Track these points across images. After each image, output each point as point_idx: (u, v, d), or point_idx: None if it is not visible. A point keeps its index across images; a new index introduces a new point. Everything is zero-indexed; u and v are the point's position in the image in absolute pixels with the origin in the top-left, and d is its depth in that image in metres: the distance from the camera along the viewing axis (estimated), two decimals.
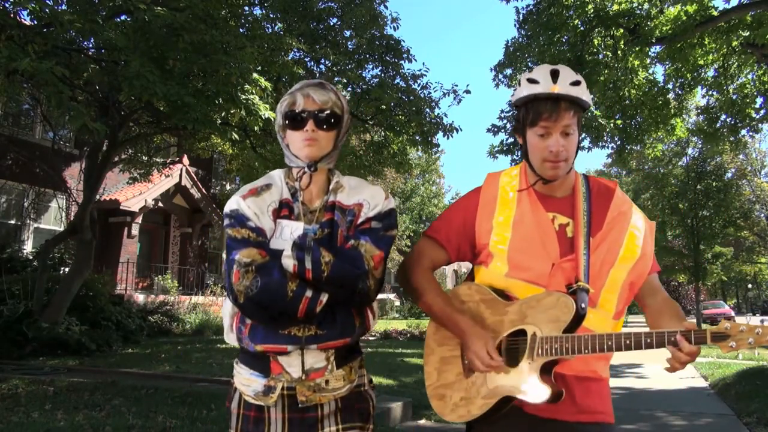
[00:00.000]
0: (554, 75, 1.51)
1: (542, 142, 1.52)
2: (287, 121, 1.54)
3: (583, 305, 1.43)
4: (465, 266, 38.52)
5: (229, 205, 1.50)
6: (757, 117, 11.27)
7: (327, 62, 10.18)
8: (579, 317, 1.41)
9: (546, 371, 1.42)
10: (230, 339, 1.52)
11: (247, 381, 1.49)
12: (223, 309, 1.54)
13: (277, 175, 1.60)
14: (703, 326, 1.31)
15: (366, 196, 1.54)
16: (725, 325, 1.26)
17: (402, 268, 1.71)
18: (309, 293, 1.39)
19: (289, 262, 1.40)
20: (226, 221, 1.48)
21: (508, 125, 11.93)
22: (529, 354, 1.43)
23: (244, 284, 1.37)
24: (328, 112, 1.53)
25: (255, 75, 7.07)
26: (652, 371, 9.36)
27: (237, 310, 1.46)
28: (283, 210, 1.52)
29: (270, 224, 1.48)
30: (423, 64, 29.93)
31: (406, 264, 1.71)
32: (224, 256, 1.49)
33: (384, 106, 9.87)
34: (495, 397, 1.46)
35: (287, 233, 1.48)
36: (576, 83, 1.52)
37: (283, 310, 1.39)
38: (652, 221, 1.65)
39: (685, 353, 1.28)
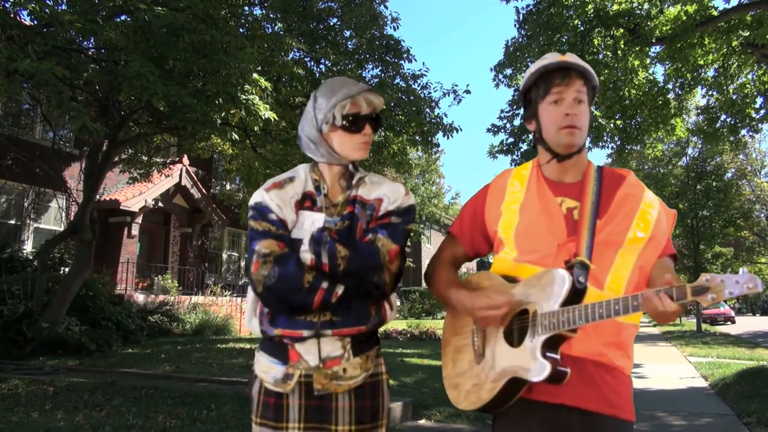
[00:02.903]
0: (562, 53, 1.61)
1: (557, 109, 1.55)
2: (347, 124, 1.56)
3: (581, 279, 1.43)
4: (465, 266, 38.52)
5: (254, 198, 1.57)
6: (757, 117, 11.25)
7: (327, 62, 10.16)
8: (576, 291, 1.41)
9: (551, 349, 1.42)
10: (252, 325, 1.57)
11: (267, 368, 1.55)
12: (248, 296, 1.59)
13: (302, 168, 1.65)
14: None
15: (386, 191, 1.60)
16: (705, 278, 1.27)
17: (429, 265, 1.78)
18: (325, 284, 1.45)
19: (306, 256, 1.47)
20: (250, 213, 1.56)
21: (508, 125, 11.94)
22: (531, 332, 1.44)
23: (262, 274, 1.45)
24: (377, 114, 1.62)
25: (255, 75, 7.06)
26: (652, 371, 9.36)
27: None
28: (306, 202, 1.58)
29: (292, 216, 1.55)
30: (423, 64, 29.98)
31: (431, 260, 1.77)
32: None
33: (384, 106, 9.86)
34: (502, 379, 1.47)
35: (308, 224, 1.54)
36: (582, 62, 1.60)
37: (299, 300, 1.45)
38: (672, 209, 1.66)
39: (671, 311, 1.30)
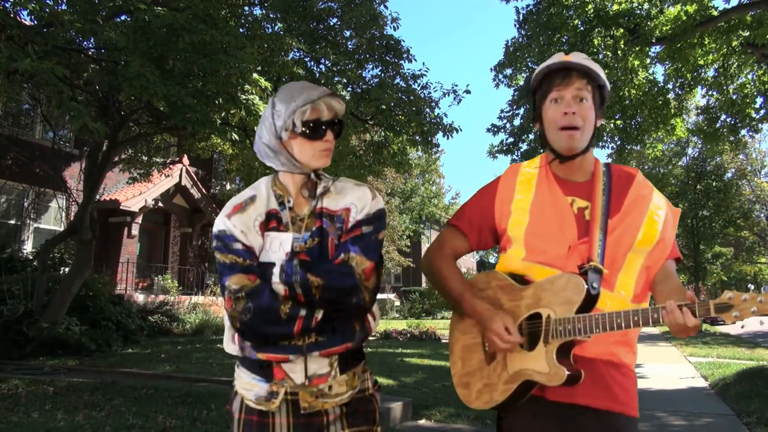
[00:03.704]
0: (567, 53, 1.62)
1: (556, 109, 1.56)
2: (307, 131, 1.48)
3: (594, 285, 1.43)
4: (465, 266, 38.48)
5: (216, 226, 1.49)
6: (757, 117, 11.24)
7: (327, 62, 10.16)
8: (590, 297, 1.41)
9: (564, 353, 1.42)
10: (231, 349, 1.51)
11: (248, 385, 1.48)
12: (225, 318, 1.53)
13: (263, 183, 1.56)
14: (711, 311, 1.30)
15: (353, 200, 1.52)
16: (728, 295, 1.27)
17: (425, 257, 1.75)
18: (303, 312, 1.40)
19: (279, 288, 1.41)
20: (214, 243, 1.48)
21: (508, 125, 11.95)
22: (545, 337, 1.44)
23: (237, 310, 1.39)
24: (339, 120, 1.54)
25: (255, 75, 7.07)
26: (652, 371, 9.36)
27: None
28: (271, 222, 1.50)
29: (259, 240, 1.47)
30: (423, 64, 30.03)
31: (428, 252, 1.74)
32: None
33: (384, 106, 9.86)
34: (515, 381, 1.47)
35: (276, 246, 1.47)
36: (589, 61, 1.60)
37: (278, 331, 1.39)
38: (677, 209, 1.65)
39: (691, 326, 1.30)
